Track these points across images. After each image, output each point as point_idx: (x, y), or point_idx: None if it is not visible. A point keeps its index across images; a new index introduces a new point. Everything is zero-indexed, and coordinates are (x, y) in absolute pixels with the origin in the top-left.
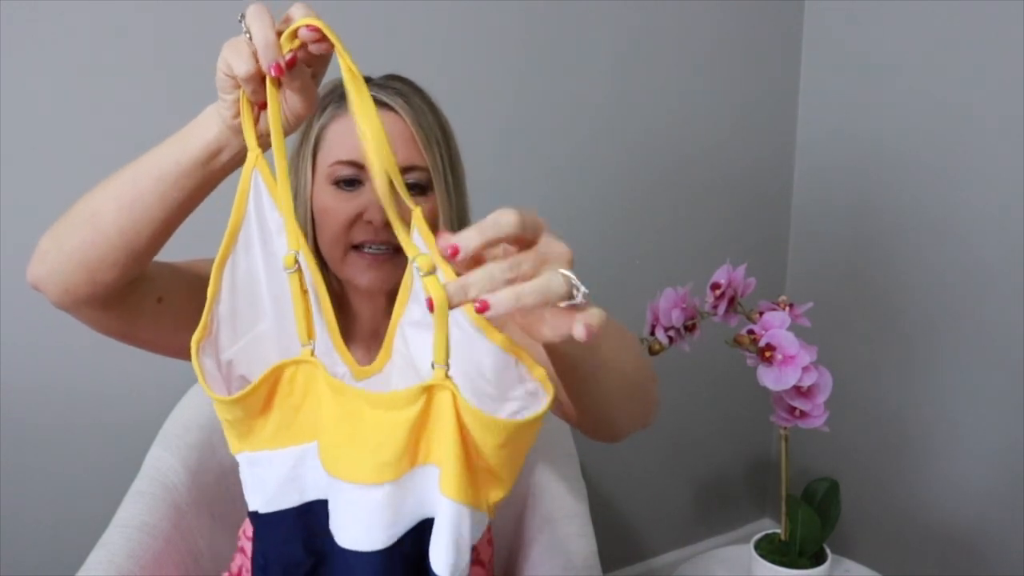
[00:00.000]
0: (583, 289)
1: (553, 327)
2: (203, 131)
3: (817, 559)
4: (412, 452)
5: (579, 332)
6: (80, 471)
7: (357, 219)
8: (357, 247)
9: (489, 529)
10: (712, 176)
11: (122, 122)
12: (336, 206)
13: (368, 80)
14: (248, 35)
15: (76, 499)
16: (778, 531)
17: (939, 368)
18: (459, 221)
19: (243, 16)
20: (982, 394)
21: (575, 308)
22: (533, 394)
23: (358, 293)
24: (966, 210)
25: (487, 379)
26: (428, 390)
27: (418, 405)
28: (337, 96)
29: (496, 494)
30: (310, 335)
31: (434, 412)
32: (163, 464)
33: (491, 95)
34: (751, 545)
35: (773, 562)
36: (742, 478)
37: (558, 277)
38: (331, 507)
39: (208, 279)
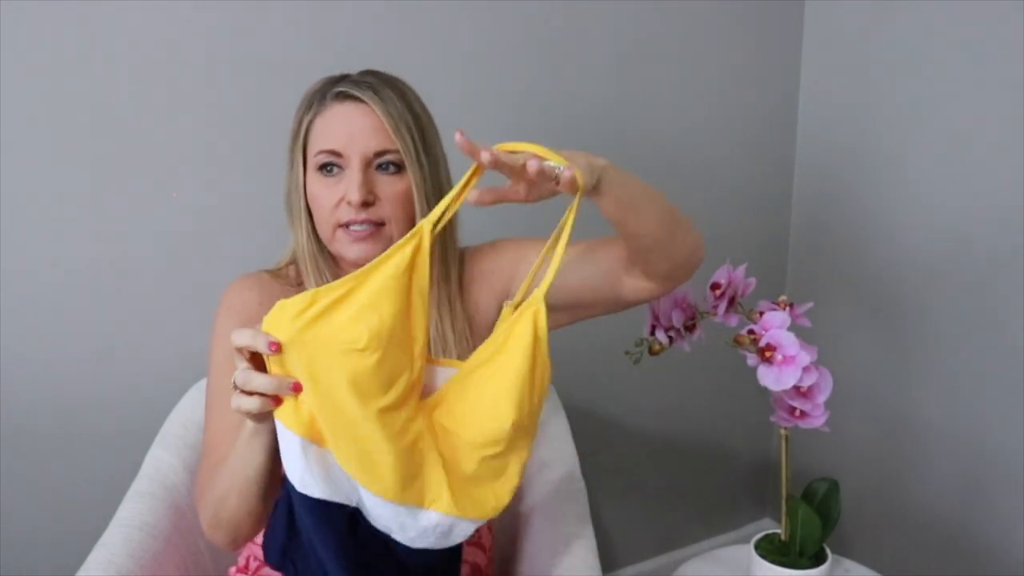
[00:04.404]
0: None
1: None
2: (253, 457)
3: (817, 559)
4: None
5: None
6: (80, 471)
7: (340, 201)
8: (344, 225)
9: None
10: (712, 176)
11: (122, 122)
12: (322, 191)
13: (345, 77)
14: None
15: (76, 499)
16: (778, 531)
17: (939, 368)
18: (435, 196)
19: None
20: (982, 394)
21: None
22: None
23: (351, 267)
24: (966, 210)
25: None
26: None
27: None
28: (320, 95)
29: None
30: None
31: None
32: (163, 464)
33: (491, 97)
34: (751, 545)
35: (773, 562)
36: (742, 478)
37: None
38: None
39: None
